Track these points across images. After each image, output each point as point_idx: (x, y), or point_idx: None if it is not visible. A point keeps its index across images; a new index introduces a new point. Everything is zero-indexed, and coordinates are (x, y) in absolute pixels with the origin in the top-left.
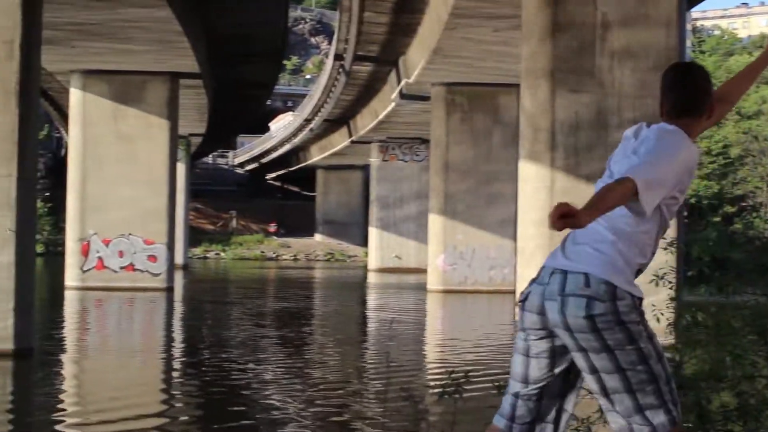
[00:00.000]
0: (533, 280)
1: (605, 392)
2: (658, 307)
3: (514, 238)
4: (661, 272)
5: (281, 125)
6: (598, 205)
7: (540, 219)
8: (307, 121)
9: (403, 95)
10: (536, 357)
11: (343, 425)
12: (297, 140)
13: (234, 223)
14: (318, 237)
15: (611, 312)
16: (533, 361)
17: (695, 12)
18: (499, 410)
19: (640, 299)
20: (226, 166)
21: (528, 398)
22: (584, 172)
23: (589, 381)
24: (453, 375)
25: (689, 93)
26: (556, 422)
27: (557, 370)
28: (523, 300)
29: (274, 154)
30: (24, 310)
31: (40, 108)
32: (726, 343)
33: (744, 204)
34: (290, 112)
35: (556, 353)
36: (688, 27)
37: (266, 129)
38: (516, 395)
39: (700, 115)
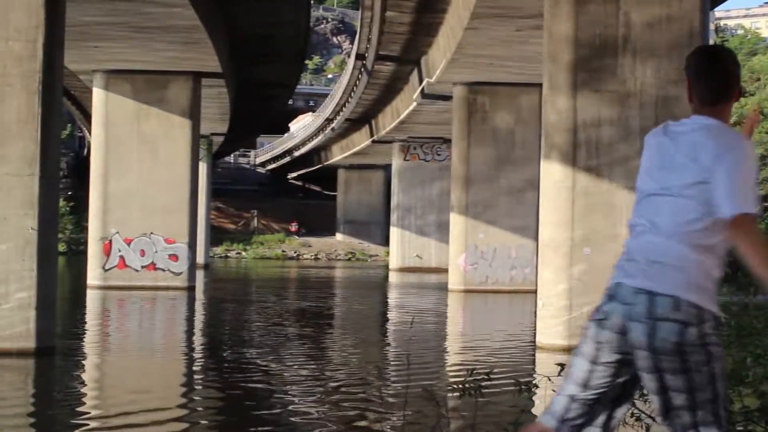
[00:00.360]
0: (610, 297)
1: (667, 410)
2: None
3: (536, 238)
4: None
5: (301, 126)
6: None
7: (561, 219)
8: (329, 120)
9: (424, 95)
10: (604, 365)
11: (364, 427)
12: (318, 140)
13: (255, 222)
14: (339, 236)
15: (698, 335)
16: (599, 369)
17: (718, 11)
18: (548, 409)
19: (719, 318)
20: (248, 166)
21: (583, 402)
22: (606, 172)
23: (654, 401)
24: (474, 374)
25: (720, 79)
26: (606, 427)
27: (621, 380)
28: (601, 318)
29: (296, 154)
30: (46, 309)
31: (63, 107)
32: (748, 343)
33: (766, 204)
34: (310, 113)
35: (624, 364)
36: (711, 26)
37: (286, 129)
38: (572, 397)
39: (730, 100)
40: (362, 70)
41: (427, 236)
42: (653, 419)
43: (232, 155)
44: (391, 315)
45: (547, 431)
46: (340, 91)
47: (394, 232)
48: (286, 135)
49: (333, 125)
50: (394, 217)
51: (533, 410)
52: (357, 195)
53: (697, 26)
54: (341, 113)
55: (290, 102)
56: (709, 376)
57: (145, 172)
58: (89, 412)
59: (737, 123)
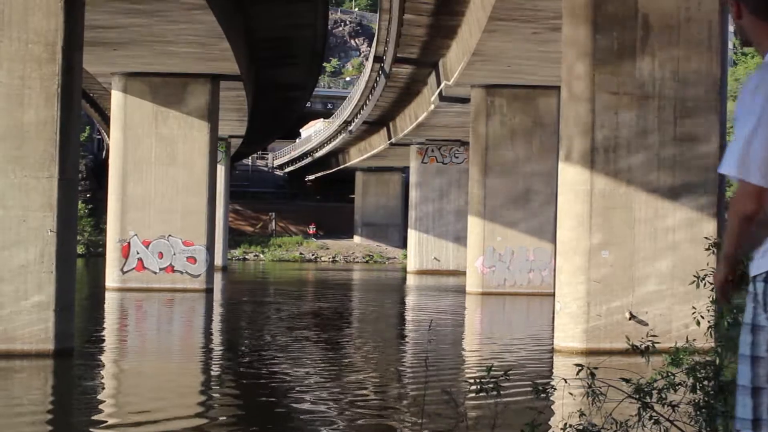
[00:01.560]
0: None
1: None
2: (698, 309)
3: (554, 240)
4: (702, 273)
5: (311, 131)
6: None
7: (579, 221)
8: (347, 123)
9: (442, 97)
10: None
11: (383, 428)
12: (336, 142)
13: (273, 224)
14: (357, 239)
15: None
16: None
17: None
18: None
19: None
20: (266, 168)
21: None
22: (624, 175)
23: None
24: (491, 370)
25: None
26: None
27: None
28: None
29: (314, 156)
30: (64, 311)
31: (82, 110)
32: None
33: None
34: (321, 119)
35: None
36: (731, 28)
37: (297, 135)
38: None
39: None
40: (380, 72)
41: (444, 239)
42: (671, 422)
43: (250, 157)
44: (410, 317)
45: None
46: (358, 93)
47: (412, 235)
48: (297, 141)
49: (351, 128)
50: (411, 220)
51: (550, 412)
52: (375, 197)
53: (716, 27)
54: (359, 116)
55: (308, 105)
56: None
57: (164, 174)
58: (106, 417)
59: None
